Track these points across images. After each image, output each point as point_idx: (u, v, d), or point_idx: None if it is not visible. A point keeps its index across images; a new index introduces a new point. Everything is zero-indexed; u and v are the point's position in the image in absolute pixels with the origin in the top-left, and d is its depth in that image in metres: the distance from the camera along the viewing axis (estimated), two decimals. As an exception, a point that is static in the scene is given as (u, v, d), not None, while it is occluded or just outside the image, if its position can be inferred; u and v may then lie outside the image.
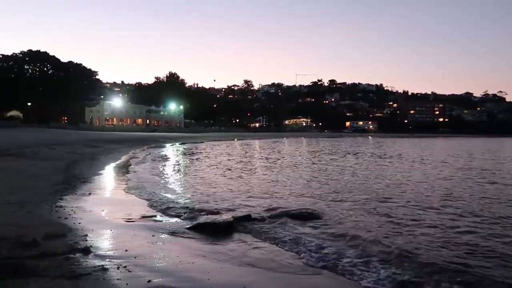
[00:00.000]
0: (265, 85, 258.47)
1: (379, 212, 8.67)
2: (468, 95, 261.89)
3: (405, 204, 9.75)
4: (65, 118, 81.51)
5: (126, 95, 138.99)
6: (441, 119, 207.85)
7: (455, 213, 8.65)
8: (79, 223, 6.91)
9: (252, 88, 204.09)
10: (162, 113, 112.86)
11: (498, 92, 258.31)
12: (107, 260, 5.07)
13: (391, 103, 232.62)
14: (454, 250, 5.93)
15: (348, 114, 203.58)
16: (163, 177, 15.07)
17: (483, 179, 15.31)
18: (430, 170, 19.07)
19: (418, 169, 19.43)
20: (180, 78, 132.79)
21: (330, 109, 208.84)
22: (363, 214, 8.49)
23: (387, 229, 7.18)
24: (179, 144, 48.26)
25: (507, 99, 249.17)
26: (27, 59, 76.92)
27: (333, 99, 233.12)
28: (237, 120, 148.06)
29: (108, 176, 14.69)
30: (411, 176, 16.11)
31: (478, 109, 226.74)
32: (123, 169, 17.61)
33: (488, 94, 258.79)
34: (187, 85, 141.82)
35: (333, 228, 7.23)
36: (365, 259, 5.50)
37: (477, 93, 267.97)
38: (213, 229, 6.90)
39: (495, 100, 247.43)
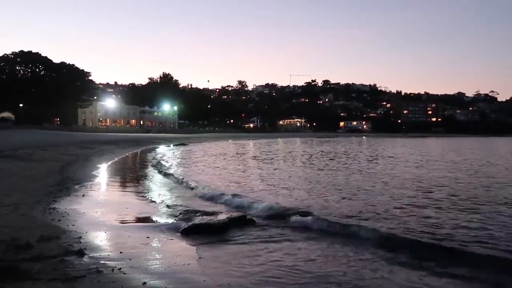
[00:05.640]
0: (259, 86, 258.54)
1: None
2: (461, 95, 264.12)
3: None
4: (58, 119, 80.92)
5: (119, 96, 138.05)
6: (434, 119, 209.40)
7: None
8: (73, 225, 6.87)
9: (246, 89, 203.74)
10: (156, 114, 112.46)
11: (490, 92, 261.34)
12: (102, 262, 5.05)
13: (385, 103, 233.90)
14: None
15: (342, 114, 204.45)
16: (157, 177, 15.01)
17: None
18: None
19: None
20: (173, 79, 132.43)
21: (324, 109, 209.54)
22: (358, 209, 8.54)
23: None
24: (174, 145, 48.17)
25: (499, 99, 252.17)
26: (18, 60, 76.24)
27: (327, 100, 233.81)
28: (232, 121, 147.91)
29: (102, 178, 14.61)
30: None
31: (471, 109, 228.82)
32: (117, 171, 17.54)
33: (480, 94, 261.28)
34: (180, 86, 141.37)
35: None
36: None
37: (469, 93, 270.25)
38: (208, 230, 6.89)
39: (487, 100, 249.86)
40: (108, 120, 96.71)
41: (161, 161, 22.60)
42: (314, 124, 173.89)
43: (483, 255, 5.62)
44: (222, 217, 7.59)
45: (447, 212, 8.73)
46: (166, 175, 15.71)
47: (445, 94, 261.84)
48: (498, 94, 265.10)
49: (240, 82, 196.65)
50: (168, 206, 9.21)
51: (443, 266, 5.33)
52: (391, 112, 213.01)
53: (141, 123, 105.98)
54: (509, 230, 7.07)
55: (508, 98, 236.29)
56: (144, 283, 4.45)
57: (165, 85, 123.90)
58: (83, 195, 10.10)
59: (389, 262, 5.49)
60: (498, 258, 5.53)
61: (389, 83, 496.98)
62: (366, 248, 6.11)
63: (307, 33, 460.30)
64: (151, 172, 17.10)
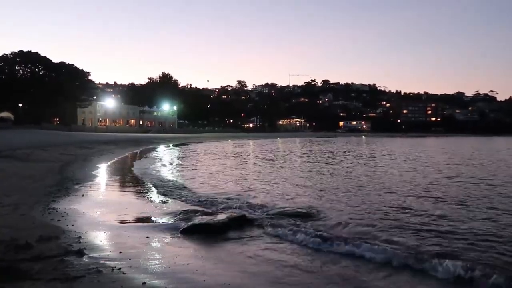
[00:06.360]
0: (258, 86, 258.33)
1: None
2: (460, 95, 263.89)
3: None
4: (57, 119, 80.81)
5: (119, 96, 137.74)
6: (433, 119, 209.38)
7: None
8: (73, 225, 6.87)
9: (245, 89, 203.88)
10: (155, 113, 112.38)
11: (489, 91, 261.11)
12: (101, 262, 5.05)
13: (384, 103, 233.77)
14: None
15: (341, 114, 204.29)
16: (156, 178, 14.99)
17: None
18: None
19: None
20: (173, 79, 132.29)
21: (323, 109, 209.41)
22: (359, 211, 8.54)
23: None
24: (174, 145, 48.17)
25: (498, 99, 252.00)
26: (18, 60, 76.10)
27: (326, 99, 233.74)
28: (231, 121, 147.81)
29: (101, 177, 14.60)
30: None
31: (470, 108, 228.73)
32: (117, 171, 17.54)
33: (479, 94, 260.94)
34: (180, 86, 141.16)
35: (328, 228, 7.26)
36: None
37: (469, 92, 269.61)
38: (208, 230, 6.89)
39: (486, 99, 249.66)
40: (107, 120, 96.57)
41: (162, 162, 22.58)
42: (314, 124, 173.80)
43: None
44: (221, 217, 7.59)
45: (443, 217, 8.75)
46: (165, 180, 15.70)
47: (445, 94, 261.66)
48: (497, 93, 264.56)
49: (239, 82, 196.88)
50: (167, 206, 9.20)
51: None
52: (391, 111, 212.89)
53: (141, 123, 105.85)
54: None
55: (507, 98, 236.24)
56: (144, 283, 4.45)
57: (164, 85, 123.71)
58: (83, 195, 10.09)
59: (389, 264, 5.50)
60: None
61: (388, 83, 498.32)
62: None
63: (307, 33, 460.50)
64: (151, 172, 17.07)
